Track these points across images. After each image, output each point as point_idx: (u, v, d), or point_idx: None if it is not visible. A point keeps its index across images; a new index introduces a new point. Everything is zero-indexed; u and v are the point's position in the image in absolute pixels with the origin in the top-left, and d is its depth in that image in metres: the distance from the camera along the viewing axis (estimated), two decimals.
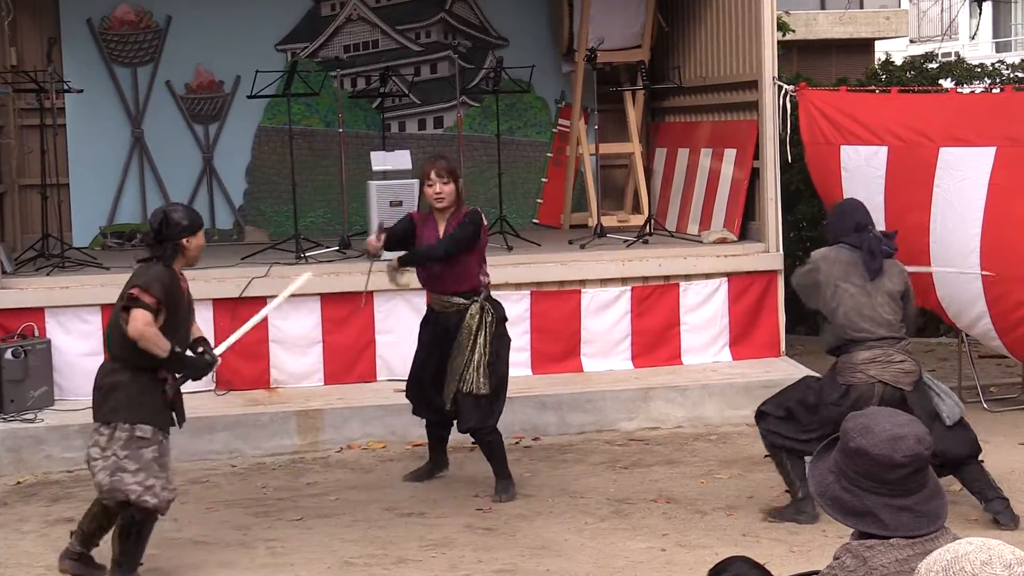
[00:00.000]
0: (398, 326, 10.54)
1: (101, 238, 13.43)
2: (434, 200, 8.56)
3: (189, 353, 7.32)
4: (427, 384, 8.71)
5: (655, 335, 11.14)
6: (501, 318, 8.68)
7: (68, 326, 10.41)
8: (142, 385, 7.06)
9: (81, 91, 12.47)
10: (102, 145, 13.43)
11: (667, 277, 11.20)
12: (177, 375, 7.24)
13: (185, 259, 7.24)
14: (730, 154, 12.08)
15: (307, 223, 13.09)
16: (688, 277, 11.21)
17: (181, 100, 13.71)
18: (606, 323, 11.08)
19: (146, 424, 7.02)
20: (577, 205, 13.86)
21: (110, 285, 10.49)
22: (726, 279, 11.24)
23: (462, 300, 8.53)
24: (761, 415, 8.18)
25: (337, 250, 11.70)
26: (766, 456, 8.58)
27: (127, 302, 7.00)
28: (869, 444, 3.74)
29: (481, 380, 8.44)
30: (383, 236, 8.73)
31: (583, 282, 11.06)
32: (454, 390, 8.49)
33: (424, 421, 9.02)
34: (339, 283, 10.68)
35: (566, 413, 10.32)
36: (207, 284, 10.54)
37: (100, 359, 10.22)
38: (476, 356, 8.46)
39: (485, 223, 8.67)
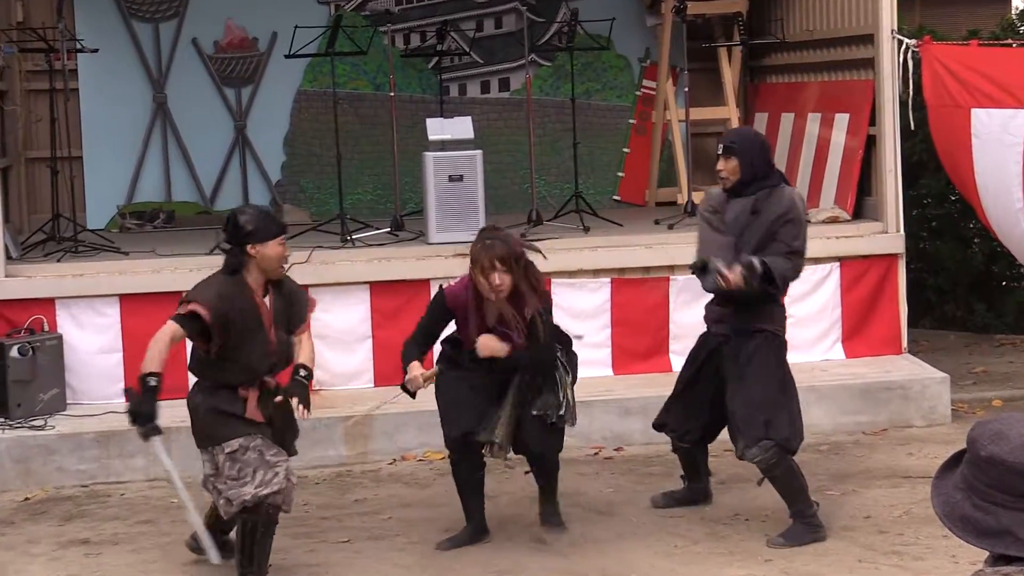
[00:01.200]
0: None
1: (119, 219, 13.54)
2: (490, 294, 7.89)
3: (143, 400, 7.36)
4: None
5: None
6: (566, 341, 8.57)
7: (82, 319, 10.50)
8: (218, 405, 7.40)
9: (96, 51, 12.56)
10: (120, 112, 13.56)
11: None
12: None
13: (258, 270, 7.40)
14: (842, 119, 12.03)
15: (354, 200, 13.14)
16: None
17: (210, 60, 13.81)
18: (698, 315, 11.01)
19: (233, 439, 7.33)
20: (664, 179, 13.85)
21: (129, 273, 10.63)
22: (838, 264, 11.19)
23: None
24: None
25: (389, 232, 11.75)
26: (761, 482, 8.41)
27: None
28: (1004, 452, 3.72)
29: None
30: (431, 371, 8.19)
31: (672, 268, 11.03)
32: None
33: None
34: (391, 270, 10.72)
35: (653, 419, 10.30)
36: None
37: (118, 356, 10.44)
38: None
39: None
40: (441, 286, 8.28)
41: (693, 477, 8.81)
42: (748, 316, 8.23)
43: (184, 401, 7.66)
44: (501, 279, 7.80)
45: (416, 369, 8.02)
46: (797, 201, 8.26)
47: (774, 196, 8.16)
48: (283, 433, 7.59)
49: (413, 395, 8.17)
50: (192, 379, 7.70)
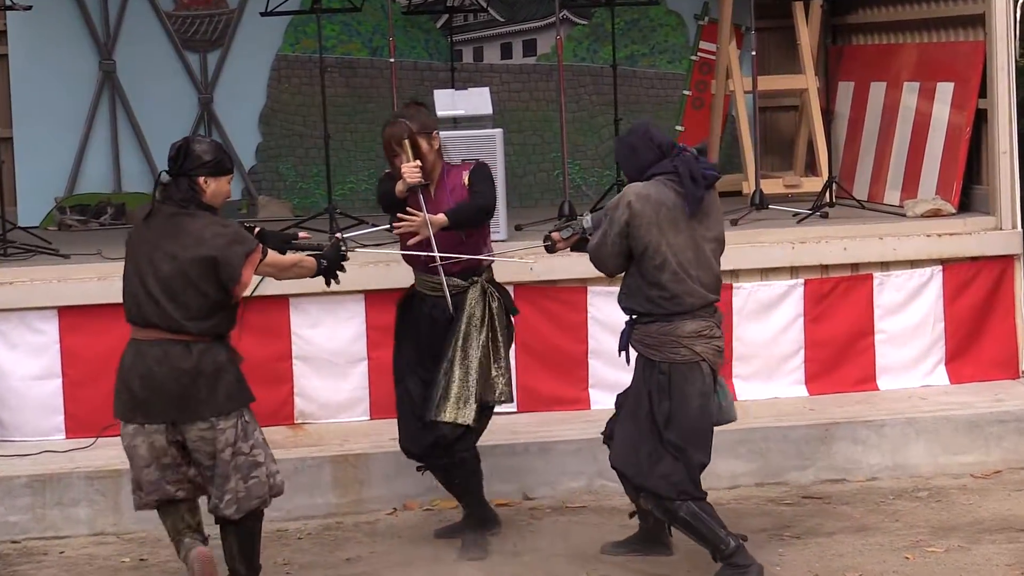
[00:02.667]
0: None
1: (57, 214, 13.57)
2: (409, 176, 8.90)
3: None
4: (417, 400, 9.05)
5: (838, 348, 11.13)
6: (509, 308, 9.26)
7: (12, 338, 10.49)
8: (234, 353, 8.08)
9: (29, 7, 12.55)
10: (58, 83, 13.61)
11: (856, 266, 11.19)
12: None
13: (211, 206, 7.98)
14: (945, 90, 12.03)
15: (345, 191, 13.17)
16: (886, 265, 11.19)
17: (168, 19, 13.84)
18: (768, 331, 11.06)
19: (249, 402, 8.05)
20: (727, 164, 13.84)
21: (71, 279, 10.63)
22: (940, 268, 11.19)
23: (460, 281, 8.99)
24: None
25: (387, 229, 11.72)
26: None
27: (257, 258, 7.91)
28: None
29: (505, 387, 9.05)
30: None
31: (735, 273, 11.03)
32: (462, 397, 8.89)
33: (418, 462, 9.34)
34: (391, 276, 10.68)
35: (713, 459, 10.29)
36: None
37: (57, 383, 10.43)
38: (497, 354, 9.01)
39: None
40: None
41: (644, 515, 8.88)
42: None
43: None
44: (407, 157, 8.96)
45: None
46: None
47: None
48: None
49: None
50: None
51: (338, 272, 8.45)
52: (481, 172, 9.11)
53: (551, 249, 8.94)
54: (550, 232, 8.87)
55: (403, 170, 8.81)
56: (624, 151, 8.54)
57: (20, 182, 13.48)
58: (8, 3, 12.28)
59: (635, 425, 8.30)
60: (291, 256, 8.24)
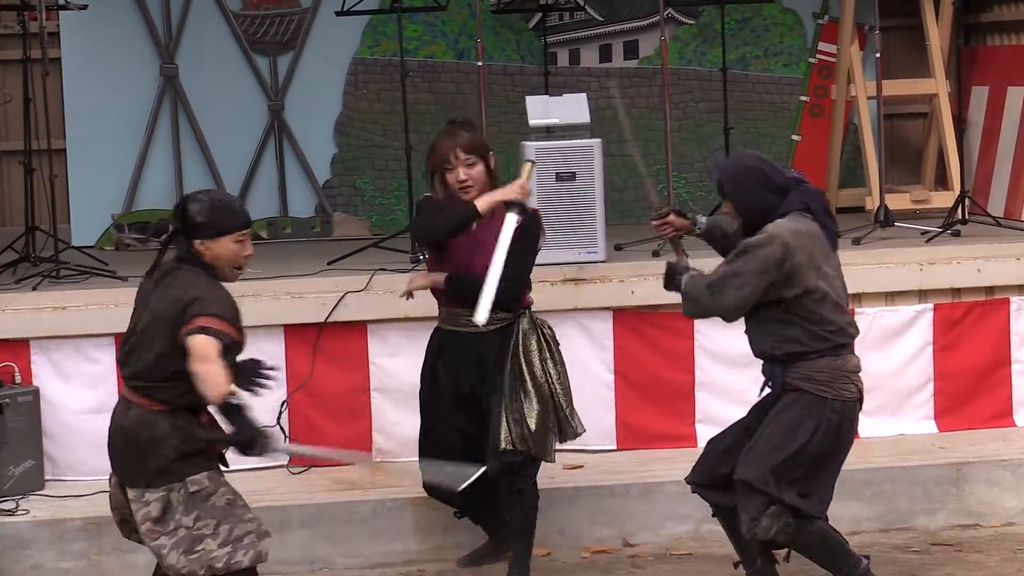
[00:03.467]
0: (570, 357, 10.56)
1: (114, 232, 13.67)
2: (459, 189, 8.85)
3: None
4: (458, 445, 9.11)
5: (971, 380, 11.12)
6: (554, 338, 9.26)
7: (66, 368, 10.59)
8: (185, 428, 7.55)
9: (85, 7, 12.67)
10: (117, 91, 13.73)
11: (991, 289, 11.19)
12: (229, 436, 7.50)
13: (213, 268, 7.68)
14: None
15: None
16: None
17: (235, 19, 13.95)
18: (894, 361, 11.07)
19: (198, 472, 7.52)
20: (848, 177, 13.85)
21: (128, 304, 10.71)
22: None
23: (505, 314, 8.93)
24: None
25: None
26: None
27: (195, 327, 7.35)
28: None
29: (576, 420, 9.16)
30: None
31: (858, 297, 11.04)
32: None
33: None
34: None
35: (833, 502, 10.29)
36: (276, 301, 10.73)
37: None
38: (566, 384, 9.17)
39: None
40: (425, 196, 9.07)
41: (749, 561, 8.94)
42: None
43: None
44: (467, 173, 8.82)
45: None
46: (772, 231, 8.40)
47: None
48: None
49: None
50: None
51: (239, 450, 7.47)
52: (526, 235, 8.93)
53: (661, 216, 8.99)
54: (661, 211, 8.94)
55: (517, 189, 8.77)
56: (740, 196, 8.49)
57: (74, 198, 13.59)
58: (62, 2, 12.40)
59: (776, 455, 8.33)
60: (215, 367, 7.30)
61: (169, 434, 7.49)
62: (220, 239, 7.58)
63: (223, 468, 7.77)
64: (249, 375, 7.86)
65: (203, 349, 7.24)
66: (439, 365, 9.17)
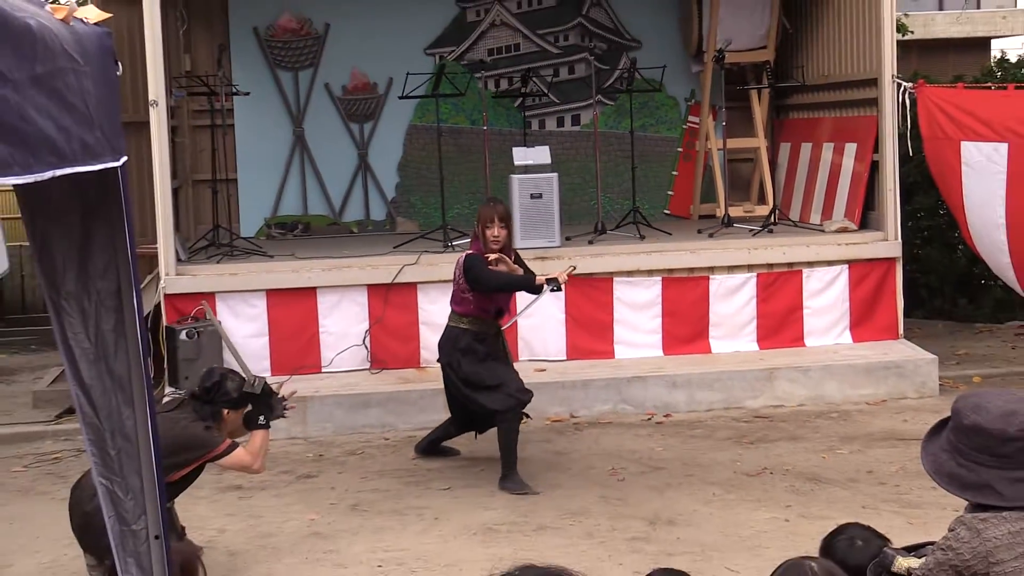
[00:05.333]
0: (538, 309, 10.51)
1: (266, 228, 13.64)
2: (491, 243, 8.43)
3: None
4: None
5: (779, 319, 11.05)
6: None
7: (236, 310, 10.58)
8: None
9: (248, 94, 12.65)
10: (267, 143, 13.64)
11: (791, 264, 11.11)
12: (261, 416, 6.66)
13: (225, 430, 6.61)
14: (851, 148, 11.94)
15: (454, 214, 13.15)
16: (811, 264, 11.11)
17: (338, 101, 13.87)
18: (733, 307, 11.03)
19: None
20: (705, 196, 13.78)
21: (274, 271, 10.71)
22: (847, 266, 11.12)
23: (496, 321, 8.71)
24: None
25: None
26: None
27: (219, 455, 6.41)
28: (984, 420, 3.72)
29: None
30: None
31: (711, 269, 11.01)
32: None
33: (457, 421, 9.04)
34: None
35: (695, 391, 10.28)
36: (362, 271, 10.68)
37: (265, 339, 10.49)
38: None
39: None
40: (468, 253, 8.58)
41: None
42: None
43: None
44: (499, 231, 8.39)
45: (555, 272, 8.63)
46: None
47: None
48: None
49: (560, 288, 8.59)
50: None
51: (272, 412, 6.70)
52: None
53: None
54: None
55: (562, 275, 8.50)
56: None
57: (242, 207, 13.55)
58: (235, 91, 12.37)
59: None
60: (253, 443, 6.56)
61: None
62: (239, 410, 6.57)
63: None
64: (276, 408, 6.74)
65: (255, 450, 6.51)
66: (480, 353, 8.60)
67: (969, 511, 3.81)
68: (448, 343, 8.62)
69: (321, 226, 13.73)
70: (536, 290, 8.49)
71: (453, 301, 8.66)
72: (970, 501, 3.80)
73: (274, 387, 6.85)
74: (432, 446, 9.19)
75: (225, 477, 8.81)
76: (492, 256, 8.43)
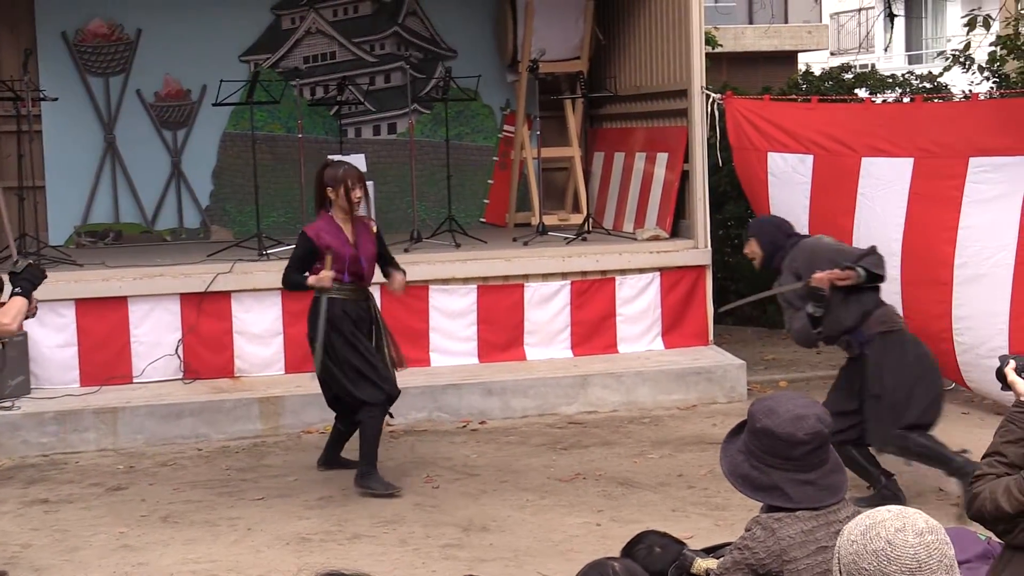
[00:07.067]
0: None
1: (75, 237, 13.36)
2: (356, 204, 8.27)
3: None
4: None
5: (593, 325, 11.17)
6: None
7: (44, 320, 10.29)
8: None
9: (56, 99, 12.41)
10: (76, 150, 13.37)
11: (604, 272, 11.23)
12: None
13: None
14: (662, 158, 12.13)
15: (269, 222, 13.06)
16: (624, 272, 11.23)
17: (151, 108, 13.66)
18: (547, 314, 11.11)
19: None
20: (521, 205, 13.89)
21: (83, 280, 10.48)
22: (658, 273, 11.27)
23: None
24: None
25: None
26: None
27: None
28: (774, 424, 3.82)
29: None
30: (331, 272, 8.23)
31: (526, 276, 11.08)
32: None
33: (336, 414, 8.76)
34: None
35: (510, 398, 10.34)
36: (175, 279, 10.52)
37: (74, 350, 10.27)
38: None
39: None
40: (303, 230, 8.31)
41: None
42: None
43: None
44: (361, 192, 8.22)
45: (321, 274, 8.14)
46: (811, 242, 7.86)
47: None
48: None
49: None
50: None
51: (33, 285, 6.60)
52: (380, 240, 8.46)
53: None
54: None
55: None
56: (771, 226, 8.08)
57: (50, 215, 13.24)
58: (42, 96, 12.11)
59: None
60: (9, 308, 6.47)
61: None
62: None
63: None
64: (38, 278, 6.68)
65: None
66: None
67: (764, 511, 3.91)
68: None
69: (133, 234, 13.51)
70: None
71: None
72: (762, 502, 3.91)
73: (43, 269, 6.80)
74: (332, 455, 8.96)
75: (30, 491, 8.63)
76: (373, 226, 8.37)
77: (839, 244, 8.02)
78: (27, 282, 6.59)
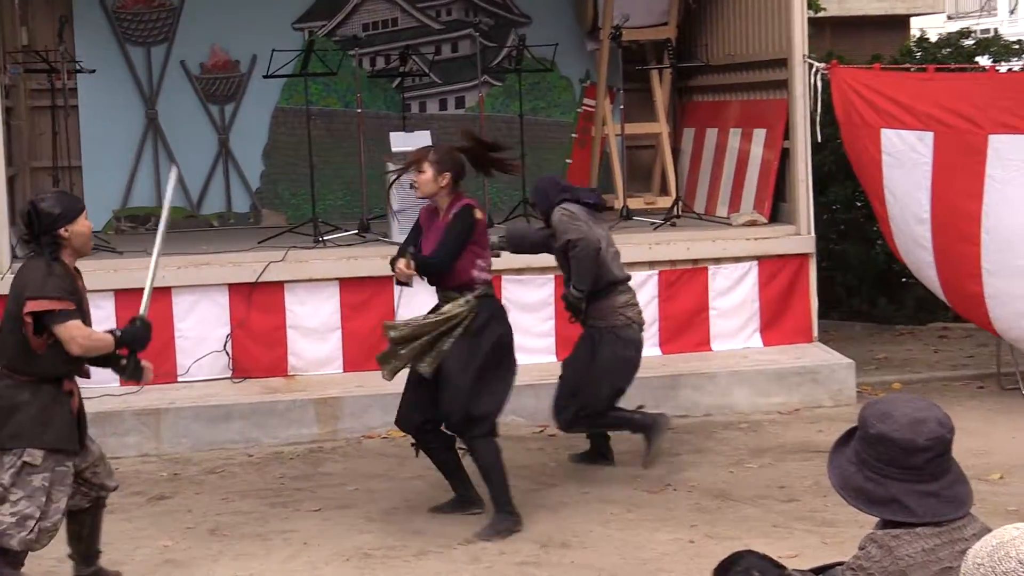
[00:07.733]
0: (420, 311, 10.51)
1: (115, 222, 13.49)
2: (414, 190, 8.15)
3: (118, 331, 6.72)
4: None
5: (683, 320, 11.13)
6: (485, 323, 7.88)
7: None
8: (46, 401, 6.41)
9: (93, 71, 12.53)
10: (115, 126, 13.48)
11: (695, 261, 11.19)
12: (125, 358, 6.68)
13: (72, 250, 6.56)
14: (759, 134, 12.08)
15: (325, 206, 13.12)
16: (717, 260, 11.20)
17: (196, 80, 13.77)
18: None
19: (38, 449, 6.34)
20: (602, 186, 13.84)
21: (124, 270, 10.56)
22: (756, 262, 11.22)
23: (455, 294, 7.88)
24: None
25: (356, 233, 11.73)
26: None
27: (46, 320, 6.33)
28: (890, 429, 3.77)
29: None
30: (410, 260, 7.82)
31: None
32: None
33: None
34: (358, 268, 10.69)
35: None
36: (223, 269, 10.59)
37: None
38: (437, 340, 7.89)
39: (481, 216, 7.90)
40: (472, 204, 7.93)
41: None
42: None
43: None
44: (417, 177, 7.84)
45: (403, 265, 7.78)
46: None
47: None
48: (83, 422, 6.70)
49: (408, 284, 8.08)
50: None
51: (136, 355, 6.72)
52: (450, 226, 7.81)
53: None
54: None
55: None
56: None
57: (87, 198, 13.29)
58: (79, 68, 12.23)
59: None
60: (96, 335, 6.54)
61: (31, 401, 6.34)
62: (77, 220, 6.53)
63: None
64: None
65: (85, 332, 6.40)
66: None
67: (880, 527, 3.87)
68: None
69: (177, 219, 13.60)
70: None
71: (477, 268, 7.96)
72: (878, 517, 3.87)
73: None
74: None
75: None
76: None
77: None
78: (130, 336, 6.69)
